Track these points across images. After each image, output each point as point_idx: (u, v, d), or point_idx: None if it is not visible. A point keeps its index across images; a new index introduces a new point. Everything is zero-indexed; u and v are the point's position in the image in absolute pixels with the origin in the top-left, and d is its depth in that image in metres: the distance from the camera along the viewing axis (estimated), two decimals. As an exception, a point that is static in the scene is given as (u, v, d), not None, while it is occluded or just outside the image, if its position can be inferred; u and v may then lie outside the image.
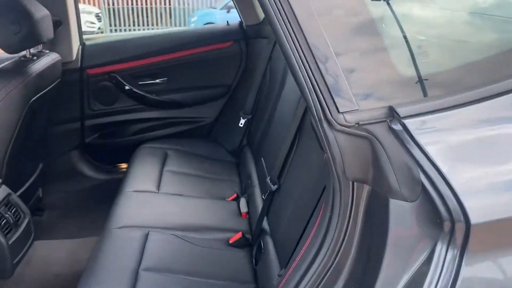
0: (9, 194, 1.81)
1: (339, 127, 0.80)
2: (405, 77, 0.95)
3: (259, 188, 1.89)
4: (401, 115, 0.79)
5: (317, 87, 0.80)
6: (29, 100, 1.83)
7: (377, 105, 0.82)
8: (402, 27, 1.06)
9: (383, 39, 0.99)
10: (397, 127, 0.79)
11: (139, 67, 2.48)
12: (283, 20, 0.81)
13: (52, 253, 1.85)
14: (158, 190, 1.97)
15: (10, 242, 1.70)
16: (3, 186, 1.81)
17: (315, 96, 0.81)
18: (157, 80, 2.51)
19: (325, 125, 0.81)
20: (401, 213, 0.78)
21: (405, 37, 1.03)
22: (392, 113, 0.80)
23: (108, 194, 2.48)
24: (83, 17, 10.22)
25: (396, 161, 0.78)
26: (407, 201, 0.77)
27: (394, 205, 0.78)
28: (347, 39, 0.90)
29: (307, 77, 0.81)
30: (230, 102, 2.61)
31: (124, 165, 2.68)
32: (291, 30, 0.81)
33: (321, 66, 0.81)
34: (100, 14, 11.08)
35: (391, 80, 0.91)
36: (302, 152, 1.45)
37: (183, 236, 1.64)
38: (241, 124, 2.42)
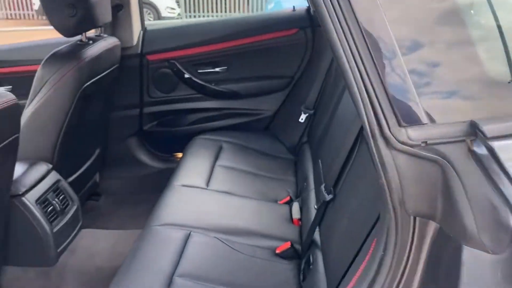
0: (58, 181, 1.79)
1: (399, 145, 0.61)
2: (496, 79, 0.73)
3: (315, 193, 1.71)
4: (488, 135, 0.58)
5: (372, 92, 0.61)
6: (83, 85, 1.79)
7: (454, 118, 0.62)
8: (496, 13, 0.83)
9: (469, 29, 0.77)
10: (481, 150, 0.58)
11: (199, 54, 2.37)
12: (332, 3, 0.63)
13: (97, 243, 1.82)
14: (207, 186, 1.86)
15: (55, 230, 1.67)
16: (53, 172, 1.80)
17: (368, 103, 0.62)
18: (217, 69, 2.40)
19: (380, 142, 0.62)
20: (479, 267, 0.58)
21: (499, 27, 0.80)
22: (474, 131, 0.60)
23: (163, 183, 2.43)
24: (164, 3, 10.46)
25: (476, 197, 0.58)
26: (488, 252, 0.57)
27: (470, 254, 0.58)
28: (420, 30, 0.70)
29: (359, 78, 0.62)
30: (291, 95, 2.43)
31: (180, 155, 2.62)
32: (341, 15, 0.62)
33: (379, 64, 0.62)
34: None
35: (476, 83, 0.70)
36: (361, 162, 1.25)
37: (226, 240, 1.52)
38: (302, 119, 2.24)
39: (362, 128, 1.29)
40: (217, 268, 1.39)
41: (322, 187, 1.42)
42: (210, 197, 1.78)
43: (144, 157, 2.57)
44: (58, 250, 1.69)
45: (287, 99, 2.44)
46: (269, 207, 1.78)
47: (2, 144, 1.25)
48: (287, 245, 1.51)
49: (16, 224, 1.60)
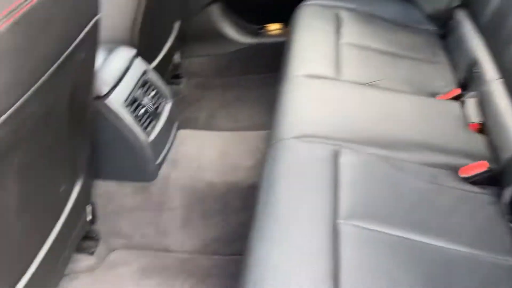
0: (145, 72, 1.37)
1: None
2: None
3: (505, 85, 1.20)
4: None
5: None
6: None
7: None
8: None
9: None
10: None
11: None
12: None
13: (201, 150, 1.44)
14: (338, 75, 1.38)
15: (151, 137, 1.30)
16: (138, 60, 1.36)
17: None
18: None
19: None
20: None
21: None
22: None
23: (255, 62, 1.99)
24: None
25: None
26: None
27: None
28: None
29: None
30: None
31: (275, 26, 2.09)
32: None
33: None
34: None
35: None
36: None
37: (388, 158, 1.09)
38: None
39: None
40: (390, 204, 0.99)
41: None
42: (348, 92, 1.31)
43: (229, 30, 2.07)
44: (157, 162, 1.34)
45: None
46: (431, 104, 1.30)
47: (83, 33, 0.80)
48: (481, 166, 1.06)
49: (103, 133, 1.23)
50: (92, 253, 1.37)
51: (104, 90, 1.19)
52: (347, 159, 1.07)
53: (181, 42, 1.97)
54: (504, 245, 0.93)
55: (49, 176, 0.94)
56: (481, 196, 1.03)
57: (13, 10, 0.58)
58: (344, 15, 1.68)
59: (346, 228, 0.91)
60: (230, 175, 1.36)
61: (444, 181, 1.06)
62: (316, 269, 0.83)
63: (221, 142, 1.48)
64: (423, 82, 1.39)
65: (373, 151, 1.10)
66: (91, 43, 0.86)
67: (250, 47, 2.08)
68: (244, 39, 2.09)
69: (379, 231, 0.91)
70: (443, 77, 1.42)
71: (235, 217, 1.34)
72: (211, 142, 1.49)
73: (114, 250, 1.40)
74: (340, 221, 0.93)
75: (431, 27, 1.68)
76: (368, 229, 0.92)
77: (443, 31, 1.65)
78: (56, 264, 1.13)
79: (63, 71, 0.75)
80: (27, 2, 0.59)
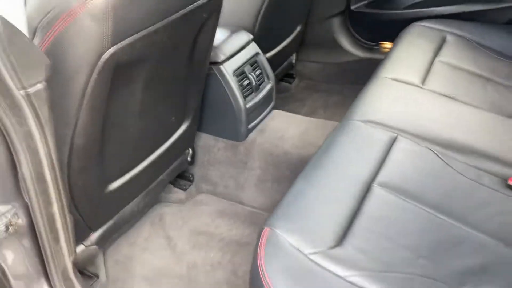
0: (257, 54, 1.66)
1: None
2: None
3: None
4: None
5: None
6: None
7: None
8: None
9: None
10: None
11: None
12: None
13: (287, 127, 1.68)
14: (423, 84, 1.51)
15: (248, 105, 1.58)
16: (253, 43, 1.67)
17: None
18: None
19: None
20: None
21: None
22: None
23: (363, 73, 2.17)
24: None
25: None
26: None
27: None
28: None
29: None
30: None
31: (388, 45, 2.26)
32: None
33: None
34: None
35: None
36: None
37: (441, 155, 1.20)
38: None
39: None
40: (427, 186, 1.11)
41: None
42: (425, 98, 1.45)
43: (345, 42, 2.29)
44: (249, 126, 1.62)
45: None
46: (503, 123, 1.37)
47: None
48: (530, 178, 1.13)
49: (211, 93, 1.54)
50: (185, 190, 1.69)
51: (221, 58, 1.51)
52: (401, 145, 1.22)
53: (299, 45, 2.25)
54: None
55: (165, 101, 1.27)
56: (519, 202, 1.09)
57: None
58: (450, 38, 1.79)
59: (378, 190, 1.07)
60: (305, 149, 1.57)
61: (488, 183, 1.14)
62: (337, 210, 1.01)
63: (305, 125, 1.70)
64: (505, 105, 1.45)
65: (429, 146, 1.23)
66: (213, 8, 1.17)
67: (362, 60, 2.28)
68: (358, 52, 2.29)
69: (406, 201, 1.06)
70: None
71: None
72: (298, 123, 1.72)
73: (201, 192, 1.70)
74: (375, 185, 1.09)
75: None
76: (397, 196, 1.06)
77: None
78: (154, 180, 1.45)
79: (187, 21, 1.06)
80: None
